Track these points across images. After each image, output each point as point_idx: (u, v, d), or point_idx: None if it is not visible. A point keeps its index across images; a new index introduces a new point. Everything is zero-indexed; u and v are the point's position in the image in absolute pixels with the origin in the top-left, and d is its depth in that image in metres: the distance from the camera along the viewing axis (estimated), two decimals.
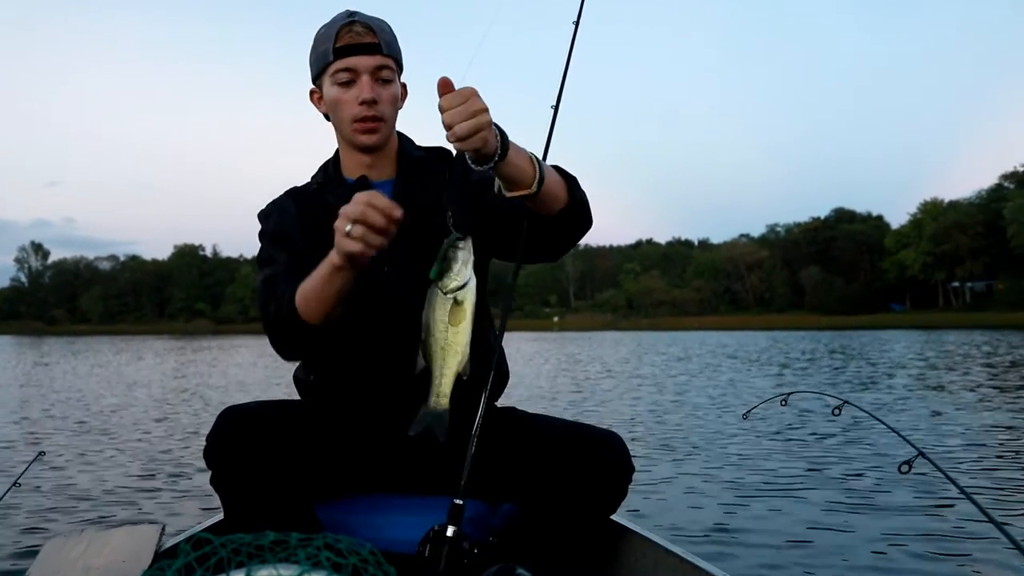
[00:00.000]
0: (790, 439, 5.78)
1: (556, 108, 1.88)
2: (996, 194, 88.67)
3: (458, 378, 1.53)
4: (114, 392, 12.14)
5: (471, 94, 1.46)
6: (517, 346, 29.71)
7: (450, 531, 1.56)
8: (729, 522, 3.57)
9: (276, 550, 1.33)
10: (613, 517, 1.90)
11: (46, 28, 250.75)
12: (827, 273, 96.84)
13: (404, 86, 1.98)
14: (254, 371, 17.32)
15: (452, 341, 1.46)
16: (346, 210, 1.46)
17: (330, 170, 1.98)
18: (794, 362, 17.79)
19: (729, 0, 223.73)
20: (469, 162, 1.54)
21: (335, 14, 1.92)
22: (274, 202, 1.99)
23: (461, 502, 1.58)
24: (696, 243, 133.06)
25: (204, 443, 1.70)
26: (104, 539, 1.75)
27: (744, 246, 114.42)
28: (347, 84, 1.83)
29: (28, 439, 7.21)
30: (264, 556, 1.32)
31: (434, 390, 1.48)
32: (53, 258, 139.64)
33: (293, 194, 1.99)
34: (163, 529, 1.81)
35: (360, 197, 1.46)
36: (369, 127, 1.85)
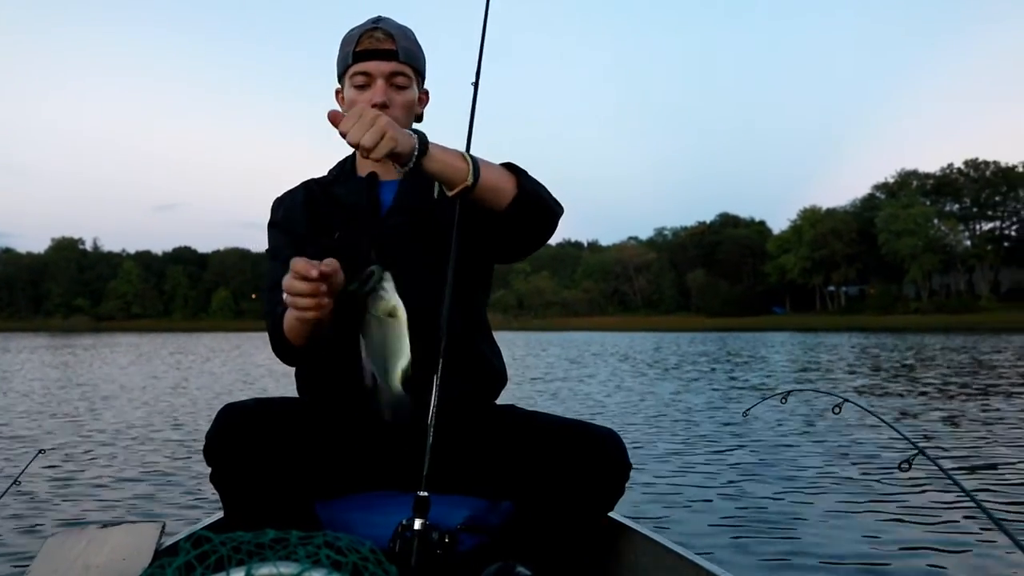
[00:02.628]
0: (789, 437, 5.71)
1: (476, 86, 1.93)
2: (869, 203, 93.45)
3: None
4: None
5: (362, 110, 1.50)
6: None
7: (417, 524, 1.59)
8: (726, 519, 3.55)
9: (276, 548, 1.33)
10: (612, 515, 1.91)
11: None
12: (712, 276, 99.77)
13: (426, 93, 2.02)
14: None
15: (395, 349, 1.52)
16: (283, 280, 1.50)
17: (347, 165, 2.04)
18: (685, 362, 18.04)
19: (623, 11, 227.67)
20: (396, 167, 1.64)
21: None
22: (288, 191, 2.06)
23: (425, 494, 1.61)
24: (586, 244, 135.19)
25: (204, 441, 1.70)
26: (105, 536, 1.71)
27: (633, 248, 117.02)
28: (363, 87, 1.88)
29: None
30: (264, 554, 1.32)
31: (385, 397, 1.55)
32: None
33: (306, 184, 2.05)
34: (163, 527, 1.77)
35: (291, 265, 1.47)
36: None
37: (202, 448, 1.70)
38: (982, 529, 3.17)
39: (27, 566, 1.71)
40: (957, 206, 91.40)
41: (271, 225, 2.02)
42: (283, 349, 1.80)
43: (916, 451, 1.74)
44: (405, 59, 1.90)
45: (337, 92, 2.00)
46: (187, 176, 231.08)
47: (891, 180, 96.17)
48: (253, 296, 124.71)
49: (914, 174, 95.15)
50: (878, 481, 4.16)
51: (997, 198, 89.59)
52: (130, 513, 4.24)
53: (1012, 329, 43.38)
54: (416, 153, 1.56)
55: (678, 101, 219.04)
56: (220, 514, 2.02)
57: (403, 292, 1.67)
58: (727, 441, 5.86)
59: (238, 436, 1.65)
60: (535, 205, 1.75)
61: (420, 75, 1.98)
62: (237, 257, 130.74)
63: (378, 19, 1.93)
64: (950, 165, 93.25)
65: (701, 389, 11.14)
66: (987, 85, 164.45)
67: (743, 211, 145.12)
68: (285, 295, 1.48)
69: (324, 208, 1.96)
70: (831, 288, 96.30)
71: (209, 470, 1.70)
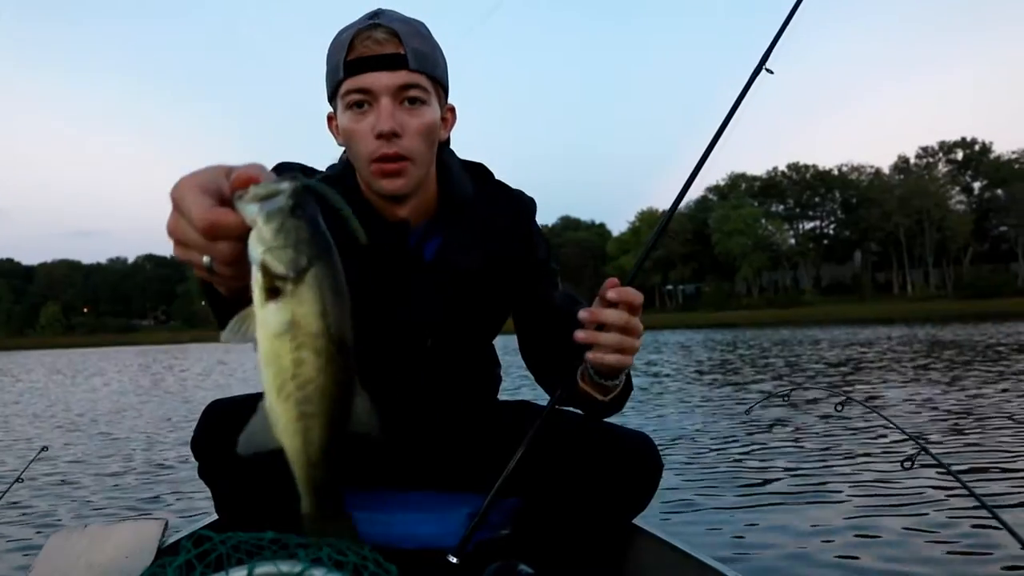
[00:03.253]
0: (789, 435, 5.57)
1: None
2: (702, 205, 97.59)
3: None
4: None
5: (627, 321, 1.37)
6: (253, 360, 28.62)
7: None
8: (728, 521, 3.47)
9: (276, 548, 1.32)
10: None
11: None
12: None
13: (452, 110, 1.60)
14: None
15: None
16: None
17: (350, 182, 1.58)
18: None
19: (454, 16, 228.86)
20: (593, 375, 1.45)
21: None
22: None
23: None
24: None
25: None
26: (107, 534, 1.72)
27: None
28: (361, 109, 1.43)
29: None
30: (264, 554, 1.31)
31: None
32: None
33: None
34: (166, 525, 1.79)
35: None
36: (390, 169, 1.44)
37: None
38: (986, 526, 3.10)
39: (30, 563, 1.70)
40: (782, 207, 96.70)
41: None
42: (218, 305, 1.16)
43: (919, 449, 1.73)
44: (418, 66, 1.43)
45: (329, 119, 1.56)
46: (9, 183, 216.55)
47: (722, 183, 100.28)
48: (85, 310, 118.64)
49: (743, 177, 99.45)
50: (880, 479, 4.05)
51: (817, 199, 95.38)
52: (132, 511, 4.17)
53: (833, 321, 46.29)
54: (618, 382, 1.46)
55: (517, 106, 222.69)
56: None
57: (414, 307, 1.57)
58: (727, 438, 5.66)
59: (222, 431, 1.51)
60: (600, 413, 1.63)
61: (441, 87, 1.52)
62: (67, 269, 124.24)
63: (376, 13, 1.47)
64: (775, 168, 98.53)
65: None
66: (806, 94, 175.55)
67: (584, 214, 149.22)
68: (173, 241, 0.89)
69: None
70: (669, 287, 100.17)
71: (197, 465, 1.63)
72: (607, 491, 1.57)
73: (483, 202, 1.68)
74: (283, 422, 0.82)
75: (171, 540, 1.77)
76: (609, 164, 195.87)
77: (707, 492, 4.01)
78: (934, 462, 1.73)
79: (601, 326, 1.37)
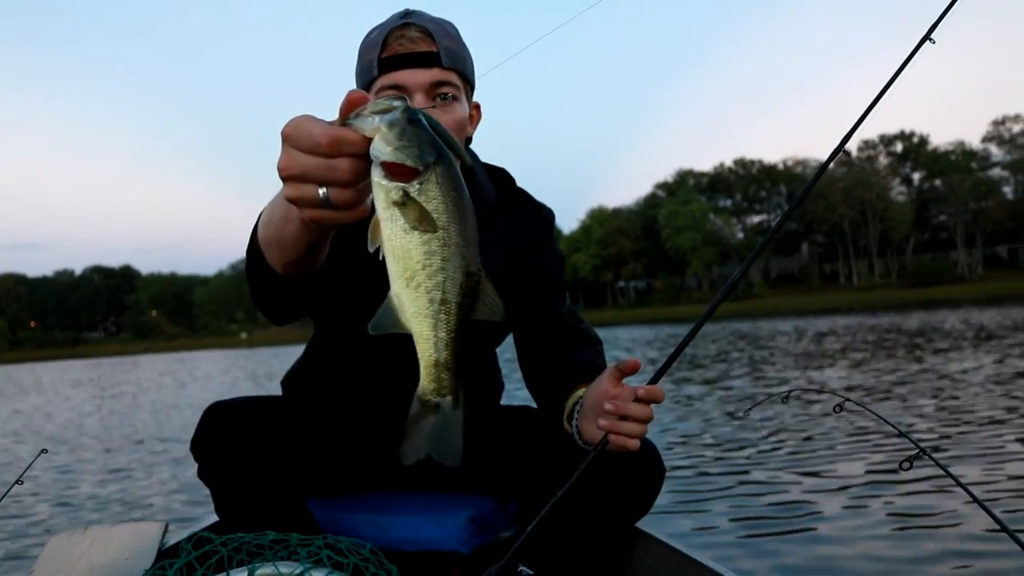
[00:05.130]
0: (788, 437, 5.53)
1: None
2: (651, 201, 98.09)
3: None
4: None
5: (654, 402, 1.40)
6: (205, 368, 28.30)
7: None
8: (729, 524, 3.46)
9: (276, 549, 1.34)
10: None
11: None
12: None
13: (477, 107, 1.66)
14: None
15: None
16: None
17: None
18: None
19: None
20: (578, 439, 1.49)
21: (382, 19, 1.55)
22: None
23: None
24: None
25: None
26: (108, 536, 1.71)
27: None
28: None
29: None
30: (265, 555, 1.33)
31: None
32: None
33: None
34: (166, 527, 1.77)
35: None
36: None
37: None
38: (986, 530, 3.07)
39: (31, 565, 1.71)
40: (730, 202, 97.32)
41: None
42: (266, 283, 1.18)
43: (917, 450, 1.71)
44: (450, 64, 1.50)
45: None
46: None
47: (670, 179, 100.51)
48: (33, 324, 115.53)
49: (690, 173, 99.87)
50: (879, 481, 4.03)
51: (763, 193, 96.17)
52: (132, 512, 4.20)
53: (784, 313, 46.70)
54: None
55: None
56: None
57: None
58: (727, 441, 5.62)
59: (223, 432, 1.56)
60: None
61: (470, 84, 1.60)
62: (12, 283, 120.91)
63: (408, 12, 1.53)
64: (722, 164, 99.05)
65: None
66: (751, 91, 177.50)
67: None
68: (284, 180, 0.88)
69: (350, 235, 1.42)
70: (621, 284, 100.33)
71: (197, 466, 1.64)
72: (609, 495, 1.58)
73: (505, 208, 1.71)
74: (412, 309, 0.87)
75: (171, 542, 1.77)
76: (557, 162, 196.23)
77: (708, 494, 3.99)
78: (932, 463, 1.74)
79: (625, 417, 1.40)
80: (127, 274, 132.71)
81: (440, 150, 0.82)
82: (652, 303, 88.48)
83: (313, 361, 1.86)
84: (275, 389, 2.03)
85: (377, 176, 0.82)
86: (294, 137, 0.84)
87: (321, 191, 0.84)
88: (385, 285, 0.87)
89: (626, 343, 21.57)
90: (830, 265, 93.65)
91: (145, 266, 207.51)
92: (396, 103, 0.83)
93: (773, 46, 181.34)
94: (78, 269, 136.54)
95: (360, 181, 0.84)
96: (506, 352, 1.93)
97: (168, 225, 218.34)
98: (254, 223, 1.15)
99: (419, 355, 0.90)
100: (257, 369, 23.20)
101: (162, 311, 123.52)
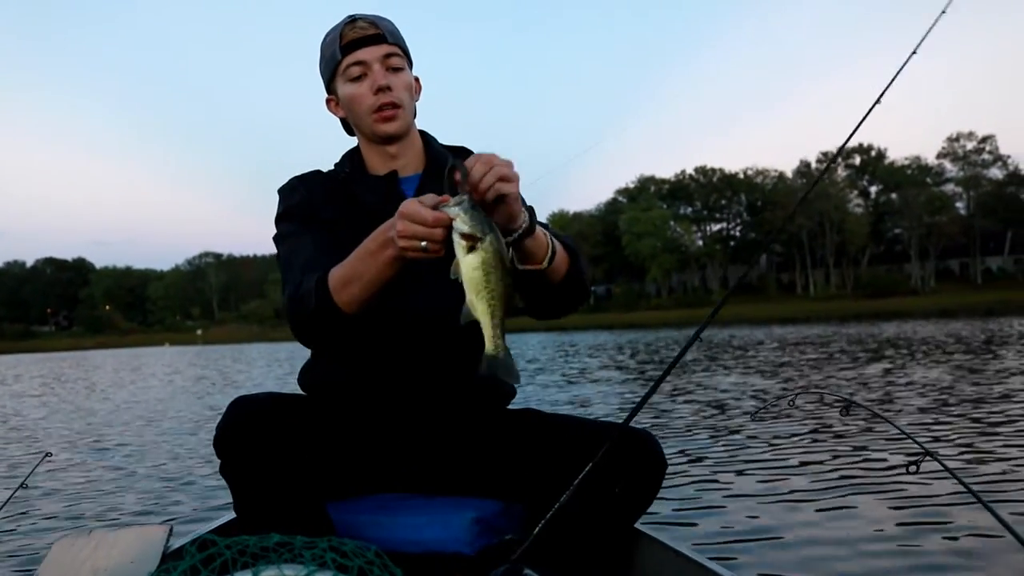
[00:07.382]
0: (792, 439, 5.52)
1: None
2: (612, 207, 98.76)
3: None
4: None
5: (495, 160, 1.48)
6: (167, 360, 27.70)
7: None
8: (731, 525, 3.47)
9: (281, 551, 1.35)
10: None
11: None
12: None
13: (417, 79, 1.96)
14: None
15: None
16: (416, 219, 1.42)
17: (356, 159, 1.96)
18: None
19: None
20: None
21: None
22: (300, 177, 1.95)
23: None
24: None
25: (212, 443, 1.67)
26: (112, 540, 1.74)
27: None
28: (359, 79, 1.83)
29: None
30: (269, 557, 1.34)
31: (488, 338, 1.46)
32: None
33: (320, 177, 1.96)
34: (171, 530, 1.79)
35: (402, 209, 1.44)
36: (388, 115, 1.83)
37: (212, 446, 1.67)
38: (991, 533, 3.06)
39: (35, 569, 1.71)
40: (690, 209, 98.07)
41: (289, 209, 1.88)
42: (320, 317, 1.64)
43: (923, 452, 1.73)
44: (394, 40, 1.86)
45: (329, 102, 1.94)
46: None
47: (632, 185, 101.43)
48: None
49: (652, 180, 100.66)
50: (885, 482, 4.03)
51: (723, 202, 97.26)
52: (137, 516, 4.16)
53: (741, 321, 47.26)
54: (521, 232, 1.55)
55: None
56: (227, 517, 2.06)
57: (429, 298, 1.78)
58: (732, 443, 5.56)
59: (248, 429, 1.61)
60: (575, 289, 1.77)
61: (409, 58, 1.93)
62: None
63: (352, 16, 1.88)
64: (683, 171, 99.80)
65: None
66: (715, 101, 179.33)
67: None
68: (400, 238, 1.43)
69: (343, 206, 1.87)
70: None
71: (219, 462, 1.68)
72: (612, 487, 1.65)
73: (456, 155, 1.81)
74: (480, 308, 1.43)
75: (176, 545, 1.78)
76: (520, 165, 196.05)
77: (710, 496, 4.00)
78: (939, 466, 1.76)
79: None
80: (81, 267, 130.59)
81: (490, 225, 1.41)
82: (611, 308, 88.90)
83: (330, 361, 1.91)
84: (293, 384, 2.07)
85: (457, 238, 1.41)
86: (410, 214, 1.42)
87: (423, 243, 1.43)
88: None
89: (588, 349, 21.56)
90: (788, 275, 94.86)
91: (100, 259, 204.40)
92: (464, 197, 1.42)
93: (737, 57, 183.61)
94: (29, 260, 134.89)
95: (442, 242, 1.42)
96: (521, 360, 1.94)
97: (125, 218, 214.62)
98: (310, 285, 1.65)
99: (483, 331, 1.45)
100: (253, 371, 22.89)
101: (115, 306, 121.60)
